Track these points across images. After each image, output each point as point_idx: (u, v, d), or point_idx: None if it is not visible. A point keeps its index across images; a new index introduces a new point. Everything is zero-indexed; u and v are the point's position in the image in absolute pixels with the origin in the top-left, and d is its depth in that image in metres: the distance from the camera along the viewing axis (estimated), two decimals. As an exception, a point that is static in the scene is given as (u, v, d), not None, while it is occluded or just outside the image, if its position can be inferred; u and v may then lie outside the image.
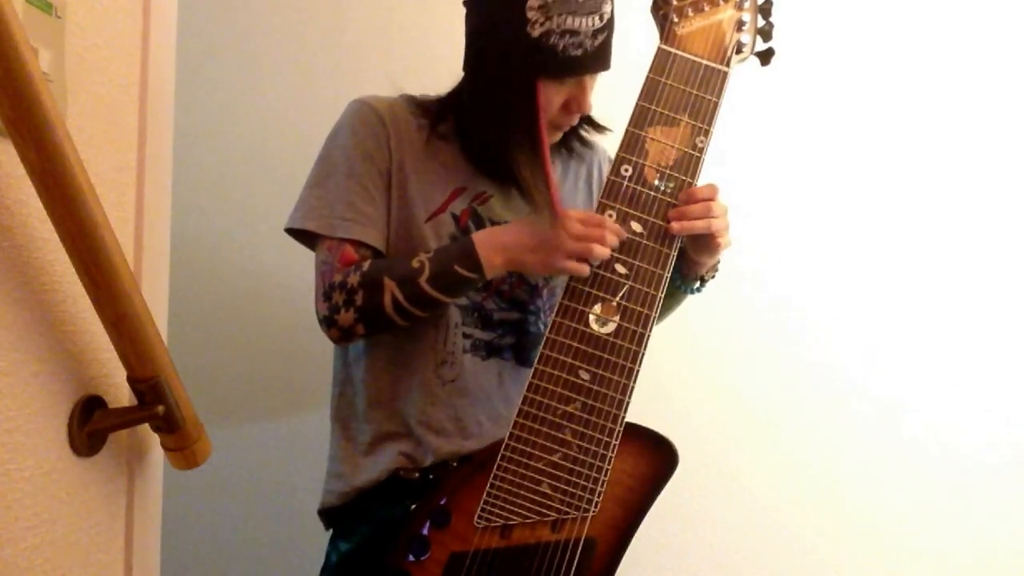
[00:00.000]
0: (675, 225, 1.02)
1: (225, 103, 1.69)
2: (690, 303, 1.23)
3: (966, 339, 1.74)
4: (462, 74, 1.14)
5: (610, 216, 1.03)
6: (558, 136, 1.17)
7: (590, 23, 1.02)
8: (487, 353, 1.15)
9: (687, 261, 1.12)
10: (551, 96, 1.07)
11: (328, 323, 1.07)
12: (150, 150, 0.95)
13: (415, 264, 1.05)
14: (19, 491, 0.73)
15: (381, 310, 1.04)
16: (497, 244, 1.05)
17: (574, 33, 1.01)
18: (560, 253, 1.01)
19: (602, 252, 1.01)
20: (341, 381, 1.20)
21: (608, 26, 1.04)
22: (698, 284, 1.19)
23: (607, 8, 1.03)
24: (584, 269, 1.02)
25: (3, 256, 0.70)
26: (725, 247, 1.09)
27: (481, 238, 1.06)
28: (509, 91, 1.06)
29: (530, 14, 1.01)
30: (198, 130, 1.65)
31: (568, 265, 1.01)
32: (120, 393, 0.87)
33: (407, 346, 1.13)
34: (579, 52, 1.02)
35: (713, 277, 1.21)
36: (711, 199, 1.04)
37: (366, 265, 1.07)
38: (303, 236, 1.15)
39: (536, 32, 1.01)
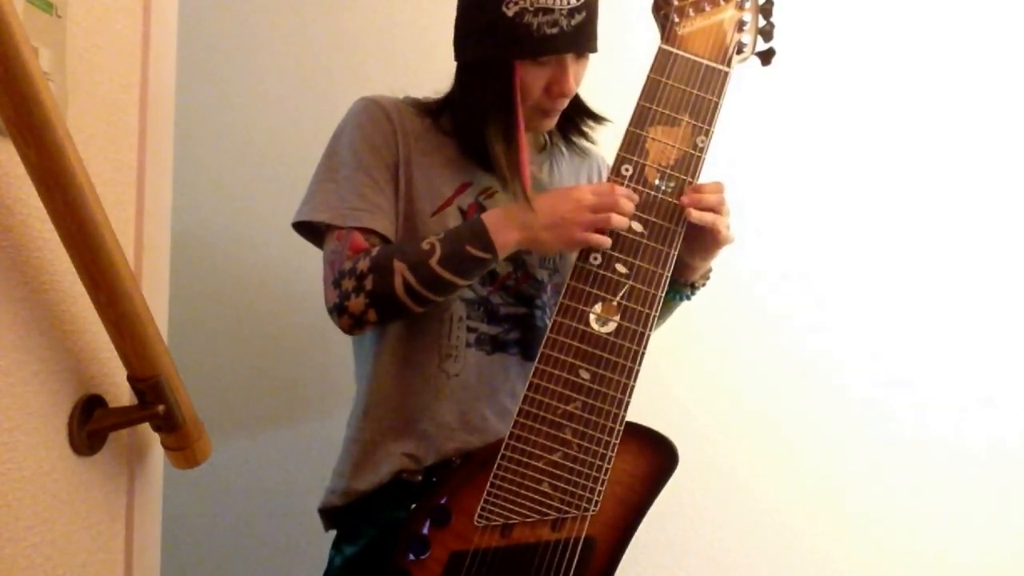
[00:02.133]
0: (693, 211, 1.02)
1: (225, 103, 1.69)
2: (691, 303, 1.23)
3: (967, 338, 1.74)
4: None
5: (626, 170, 1.03)
6: (550, 123, 1.17)
7: (564, 2, 1.02)
8: (492, 348, 1.15)
9: (679, 266, 1.11)
10: (531, 79, 1.07)
11: (339, 311, 1.06)
12: (150, 150, 0.95)
13: (425, 246, 1.04)
14: (19, 490, 0.73)
15: (392, 294, 1.03)
16: (511, 223, 1.04)
17: (548, 11, 1.02)
18: (578, 226, 1.01)
19: (620, 221, 1.01)
20: (358, 379, 1.20)
21: (587, 7, 1.04)
22: (689, 291, 1.19)
23: None
24: (605, 241, 1.01)
25: (3, 256, 0.70)
26: (724, 244, 1.08)
27: (492, 218, 1.05)
28: (488, 73, 1.07)
29: None
30: (198, 130, 1.65)
31: (589, 237, 1.01)
32: (120, 392, 0.88)
33: (412, 341, 1.13)
34: (555, 31, 1.03)
35: (704, 285, 1.20)
36: (721, 194, 1.04)
37: (375, 250, 1.06)
38: (309, 232, 1.15)
39: (511, 11, 1.02)
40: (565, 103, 1.13)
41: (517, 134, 1.06)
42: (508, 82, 1.06)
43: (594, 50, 1.09)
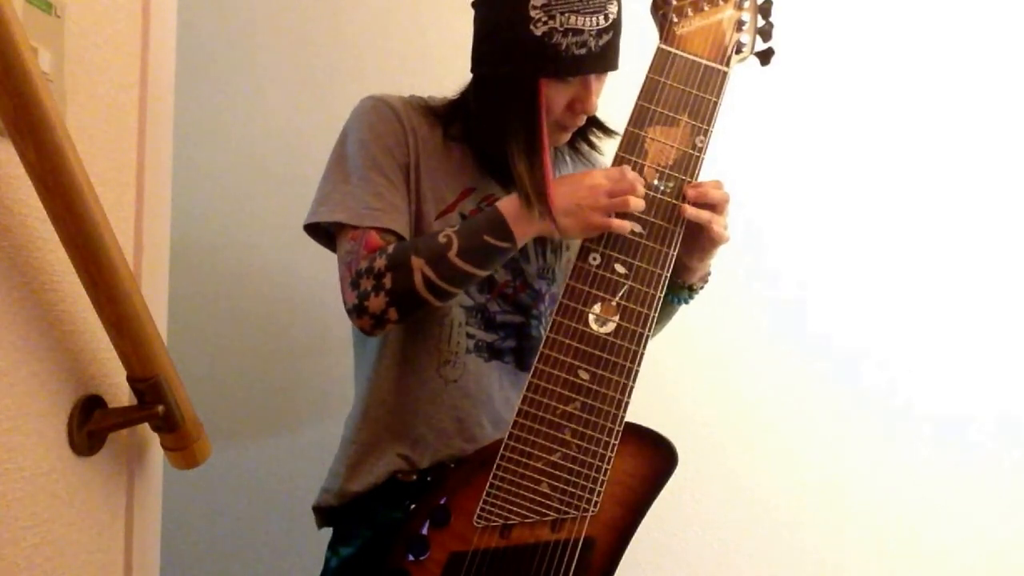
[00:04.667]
0: (688, 208, 1.02)
1: (225, 103, 1.69)
2: (690, 303, 1.23)
3: (968, 337, 1.74)
4: (467, 76, 1.14)
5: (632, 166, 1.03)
6: (566, 137, 1.17)
7: (594, 22, 1.01)
8: (489, 355, 1.15)
9: (677, 267, 1.10)
10: (555, 96, 1.07)
11: (358, 312, 1.04)
12: (150, 150, 0.95)
13: (442, 239, 1.03)
14: (19, 491, 0.73)
15: (412, 290, 1.02)
16: (527, 211, 1.03)
17: (577, 32, 1.01)
18: (598, 212, 1.01)
19: (638, 202, 1.01)
20: (358, 380, 1.20)
21: (614, 27, 1.04)
22: (687, 294, 1.19)
23: (612, 8, 1.03)
24: (626, 226, 1.01)
25: (3, 256, 0.70)
26: (720, 243, 1.08)
27: (508, 206, 1.04)
28: (512, 90, 1.06)
29: (533, 13, 1.00)
30: (198, 130, 1.65)
31: (609, 223, 1.01)
32: (120, 393, 0.88)
33: (412, 345, 1.13)
34: (583, 51, 1.02)
35: (702, 288, 1.20)
36: (726, 193, 1.04)
37: (391, 247, 1.05)
38: (319, 234, 1.14)
39: (539, 31, 1.01)
40: (584, 119, 1.13)
41: (541, 152, 1.05)
42: (533, 99, 1.05)
43: (616, 68, 1.08)
